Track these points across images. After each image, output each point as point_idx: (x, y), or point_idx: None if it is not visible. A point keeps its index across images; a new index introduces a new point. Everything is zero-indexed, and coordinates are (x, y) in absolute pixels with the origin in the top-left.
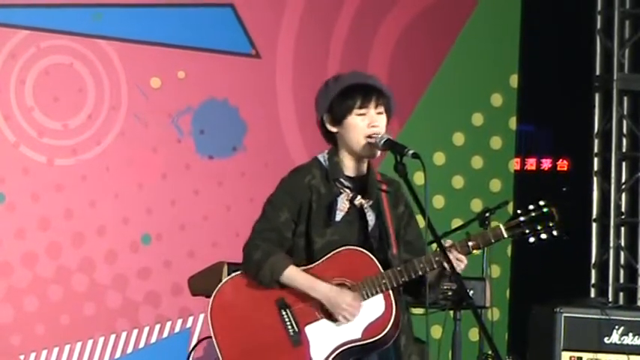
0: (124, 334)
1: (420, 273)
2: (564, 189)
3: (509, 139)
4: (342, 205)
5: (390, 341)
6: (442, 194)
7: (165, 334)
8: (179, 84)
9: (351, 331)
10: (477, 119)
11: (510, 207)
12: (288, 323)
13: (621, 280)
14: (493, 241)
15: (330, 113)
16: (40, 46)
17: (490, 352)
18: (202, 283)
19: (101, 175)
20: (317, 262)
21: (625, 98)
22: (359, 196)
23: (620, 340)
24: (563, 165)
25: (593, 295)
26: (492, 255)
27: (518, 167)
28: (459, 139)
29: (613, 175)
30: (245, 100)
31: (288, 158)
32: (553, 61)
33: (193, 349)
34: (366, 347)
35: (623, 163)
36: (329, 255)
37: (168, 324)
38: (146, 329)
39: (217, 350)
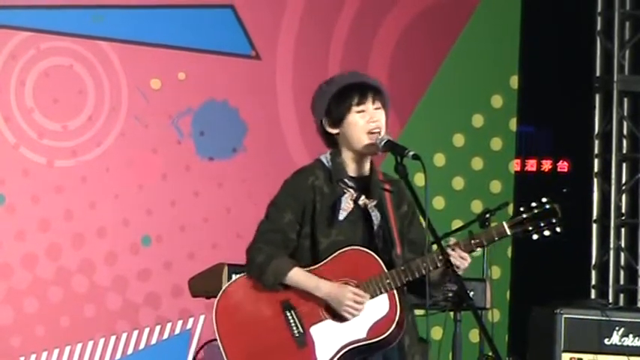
0: (124, 336)
1: (424, 272)
2: (564, 190)
3: (509, 140)
4: (346, 205)
5: (395, 341)
6: (442, 195)
7: (165, 336)
8: (179, 85)
9: (356, 330)
10: (477, 120)
11: (510, 208)
12: (293, 324)
13: (621, 282)
14: (497, 238)
15: (329, 116)
16: (40, 48)
17: (490, 354)
18: (202, 285)
19: (101, 177)
20: (321, 263)
21: (625, 99)
22: (363, 196)
23: (620, 341)
24: (563, 166)
25: (593, 296)
26: (493, 256)
27: (518, 168)
28: (459, 140)
29: (613, 176)
30: (245, 101)
31: (289, 159)
32: (553, 63)
33: (198, 352)
34: (371, 347)
35: (624, 164)
36: (333, 255)
37: (169, 325)
38: (146, 330)
39: (223, 353)
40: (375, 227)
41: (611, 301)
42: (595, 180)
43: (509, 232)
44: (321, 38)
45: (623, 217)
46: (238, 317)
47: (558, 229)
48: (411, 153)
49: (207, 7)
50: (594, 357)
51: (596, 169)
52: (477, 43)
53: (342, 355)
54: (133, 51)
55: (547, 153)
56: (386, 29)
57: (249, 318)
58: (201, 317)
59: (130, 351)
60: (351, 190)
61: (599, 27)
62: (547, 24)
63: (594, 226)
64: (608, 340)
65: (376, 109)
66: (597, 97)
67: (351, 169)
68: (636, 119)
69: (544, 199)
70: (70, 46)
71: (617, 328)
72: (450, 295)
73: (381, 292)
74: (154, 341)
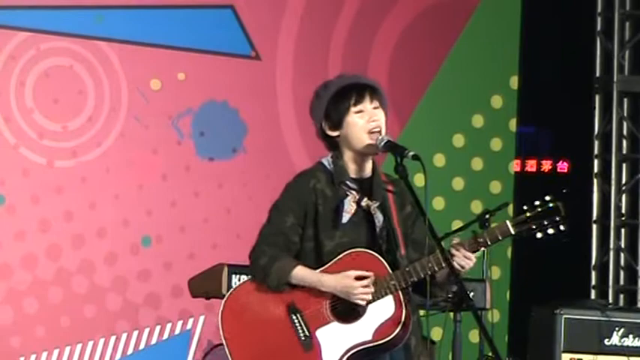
0: (124, 336)
1: (429, 273)
2: (564, 190)
3: (509, 140)
4: (349, 207)
5: (401, 342)
6: (442, 196)
7: (165, 336)
8: (179, 86)
9: (362, 333)
10: (477, 121)
11: (510, 209)
12: (299, 328)
13: (621, 282)
14: (500, 238)
15: (328, 119)
16: (40, 48)
17: (490, 354)
18: (202, 285)
19: (101, 177)
20: (326, 266)
21: (625, 100)
22: (365, 198)
23: (620, 341)
24: (563, 167)
25: (593, 296)
26: (493, 256)
27: (518, 169)
28: (459, 140)
29: (613, 176)
30: (245, 101)
31: (289, 160)
32: (553, 63)
33: (204, 357)
34: (377, 349)
35: (624, 165)
36: (337, 258)
37: (169, 326)
38: (146, 331)
39: (229, 357)
40: (378, 229)
41: (611, 301)
42: (595, 180)
43: (513, 232)
44: (321, 39)
45: (623, 218)
46: (244, 321)
47: (562, 228)
48: (411, 153)
49: (207, 7)
50: (594, 357)
51: (596, 170)
52: (477, 43)
53: (348, 358)
54: (133, 51)
55: (547, 153)
56: (386, 29)
57: (254, 322)
58: (201, 318)
59: (129, 351)
60: (353, 192)
61: (599, 27)
62: (547, 24)
63: (594, 226)
64: (608, 341)
65: (375, 108)
66: (597, 98)
67: (353, 171)
68: (636, 120)
69: (547, 197)
70: (70, 47)
71: (617, 328)
72: (450, 295)
73: (386, 294)
74: (153, 341)
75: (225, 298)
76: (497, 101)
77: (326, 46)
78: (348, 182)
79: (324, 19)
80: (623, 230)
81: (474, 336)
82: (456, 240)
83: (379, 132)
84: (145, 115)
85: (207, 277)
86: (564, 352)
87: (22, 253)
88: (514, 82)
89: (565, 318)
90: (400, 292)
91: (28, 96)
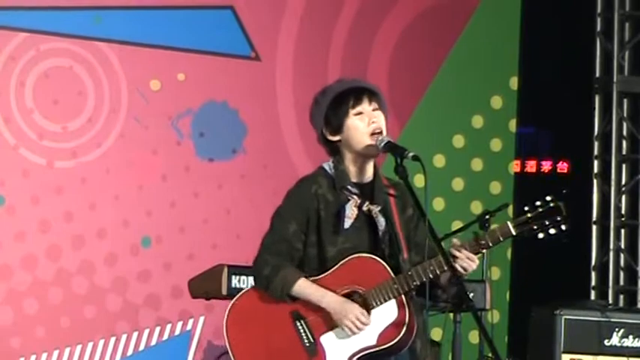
0: (124, 337)
1: (431, 276)
2: (564, 191)
3: (509, 141)
4: (350, 212)
5: (406, 346)
6: (442, 197)
7: (165, 337)
8: (179, 86)
9: (366, 337)
10: (477, 121)
11: (510, 209)
12: (304, 334)
13: (621, 283)
14: (502, 239)
15: (328, 124)
16: (40, 49)
17: (490, 355)
18: (202, 286)
19: (101, 178)
20: (329, 272)
21: (625, 100)
22: (367, 202)
23: (620, 342)
24: (563, 167)
25: (593, 297)
26: (492, 257)
27: (518, 169)
28: (458, 141)
29: (613, 177)
30: (245, 102)
31: (288, 161)
32: (553, 63)
33: None
34: (381, 353)
35: (623, 166)
36: (340, 263)
37: (169, 326)
38: (146, 332)
39: None
40: (381, 233)
41: (611, 302)
42: (595, 181)
43: (514, 232)
44: (321, 39)
45: (623, 218)
46: (249, 329)
47: (564, 227)
48: (411, 154)
49: (206, 8)
50: (594, 358)
51: (595, 170)
52: (477, 44)
53: None
54: (133, 52)
55: (547, 154)
56: (386, 30)
57: (259, 329)
58: (201, 318)
59: (129, 352)
60: (354, 196)
61: (598, 28)
62: (547, 25)
63: (594, 227)
64: (608, 341)
65: (374, 110)
66: (597, 98)
67: (355, 176)
68: (636, 120)
69: (548, 198)
70: (70, 48)
71: (617, 329)
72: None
73: (389, 298)
74: (153, 342)
75: (229, 306)
76: (497, 102)
77: (326, 47)
78: (349, 187)
79: (323, 19)
80: (622, 231)
81: (474, 337)
82: (456, 241)
83: (380, 133)
84: (145, 116)
85: (207, 277)
86: (564, 352)
87: (22, 253)
88: (514, 82)
89: (565, 318)
90: (403, 296)
91: (27, 97)
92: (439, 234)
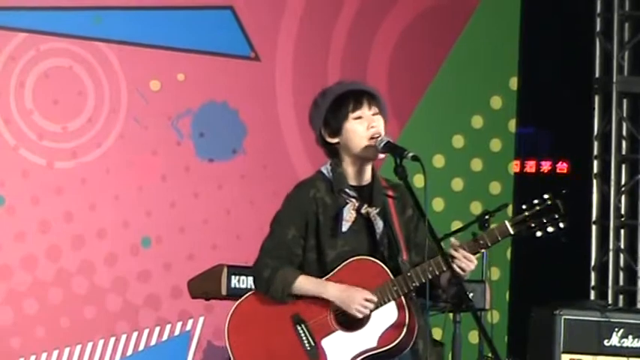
0: (123, 337)
1: (430, 277)
2: (564, 191)
3: (508, 141)
4: (348, 215)
5: (407, 347)
6: (442, 197)
7: (165, 337)
8: (179, 86)
9: (367, 340)
10: (477, 122)
11: (510, 209)
12: (305, 338)
13: (621, 283)
14: (500, 238)
15: (327, 126)
16: (40, 49)
17: (490, 355)
18: (202, 286)
19: (101, 178)
20: (328, 275)
21: (624, 100)
22: (365, 205)
23: (619, 342)
24: (562, 167)
25: (592, 297)
26: (492, 258)
27: (517, 169)
28: (458, 141)
29: (612, 177)
30: (245, 102)
31: (288, 161)
32: (553, 64)
33: None
34: (382, 355)
35: (623, 166)
36: (340, 266)
37: (168, 327)
38: (146, 332)
39: None
40: (379, 235)
41: (610, 302)
42: (594, 181)
43: (512, 231)
44: (321, 39)
45: (623, 218)
46: (250, 333)
47: (562, 225)
48: (411, 154)
49: (206, 8)
50: (594, 358)
51: (595, 170)
52: (477, 44)
53: None
54: (133, 52)
55: (546, 154)
56: (385, 30)
57: (260, 334)
58: (201, 318)
59: (129, 352)
60: (353, 199)
61: (598, 28)
62: (546, 25)
63: (594, 227)
64: (608, 341)
65: (373, 114)
66: (596, 98)
67: (353, 178)
68: (635, 120)
69: (545, 196)
70: (70, 48)
71: (616, 329)
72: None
73: (389, 300)
74: (153, 342)
75: (230, 311)
76: (496, 102)
77: (325, 47)
78: (347, 190)
79: (323, 19)
80: (622, 231)
81: (474, 337)
82: (454, 242)
83: (379, 137)
84: (145, 116)
85: (206, 277)
86: (564, 352)
87: (22, 254)
88: (513, 82)
89: (564, 319)
90: (403, 298)
91: (27, 97)
92: (439, 234)
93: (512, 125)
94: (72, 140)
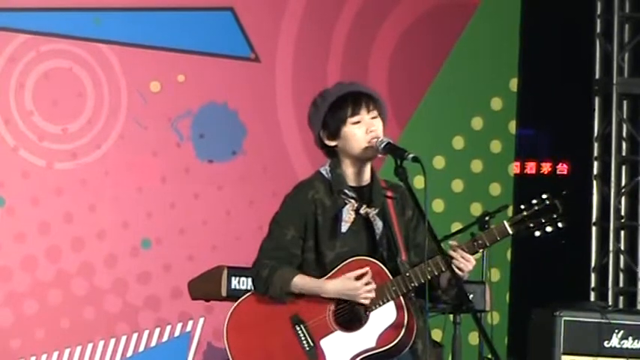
0: (123, 338)
1: (429, 277)
2: (564, 192)
3: (508, 142)
4: (347, 216)
5: (405, 347)
6: (442, 198)
7: (165, 338)
8: (179, 88)
9: (366, 340)
10: (477, 123)
11: (510, 211)
12: (303, 339)
13: (621, 284)
14: (499, 238)
15: (325, 129)
16: (40, 50)
17: (490, 356)
18: (202, 287)
19: (101, 179)
20: (327, 275)
21: (625, 102)
22: (364, 206)
23: (619, 343)
24: (562, 169)
25: (593, 298)
26: (492, 259)
27: (517, 171)
28: (458, 142)
29: (613, 178)
30: (245, 103)
31: (288, 162)
32: (553, 65)
33: None
34: (381, 355)
35: (623, 167)
36: (339, 267)
37: (168, 328)
38: (146, 333)
39: None
40: (378, 236)
41: (610, 303)
42: (594, 182)
43: (510, 231)
44: (321, 41)
45: (623, 220)
46: (249, 334)
47: (560, 225)
48: (411, 155)
49: (206, 9)
50: (594, 359)
51: (595, 172)
52: (477, 45)
53: None
54: (133, 53)
55: (546, 155)
56: (385, 32)
57: (259, 334)
58: (201, 320)
59: (129, 353)
60: (352, 200)
61: (598, 29)
62: (546, 26)
63: (594, 228)
64: (608, 343)
65: (372, 118)
66: (597, 100)
67: (352, 179)
68: (636, 122)
69: (544, 195)
70: (70, 49)
71: (616, 330)
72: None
73: (388, 300)
74: (153, 344)
75: (229, 312)
76: (496, 103)
77: (325, 49)
78: (346, 191)
79: (323, 21)
80: (622, 232)
81: (474, 338)
82: (453, 242)
83: (378, 140)
84: (145, 117)
85: (206, 279)
86: (564, 354)
87: (22, 255)
88: (514, 84)
89: (565, 320)
90: (402, 298)
91: (27, 98)
92: (438, 236)
93: (512, 126)
94: (72, 141)
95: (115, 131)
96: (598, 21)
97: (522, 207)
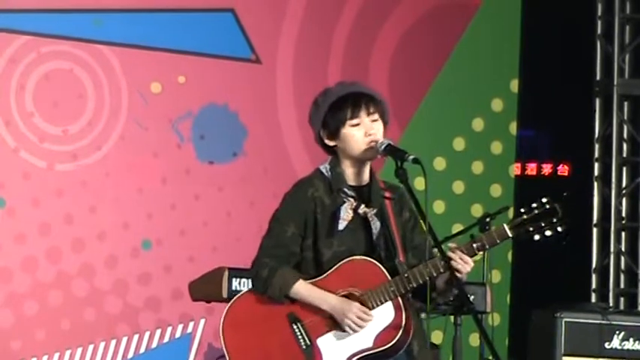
0: (124, 339)
1: (427, 278)
2: (565, 194)
3: (509, 144)
4: (346, 214)
5: (402, 348)
6: (443, 199)
7: (165, 339)
8: (179, 89)
9: (363, 340)
10: (478, 124)
11: (511, 212)
12: (300, 337)
13: (622, 285)
14: (498, 241)
15: (325, 128)
16: (41, 52)
17: (490, 357)
18: (202, 288)
19: (101, 181)
20: (325, 274)
21: (625, 103)
22: (362, 205)
23: (620, 345)
24: (563, 170)
25: (593, 299)
26: (493, 260)
27: (518, 172)
28: (459, 144)
29: (613, 179)
30: (245, 105)
31: (289, 163)
32: (553, 66)
33: None
34: (378, 355)
35: (624, 168)
36: (336, 266)
37: (169, 329)
38: (147, 334)
39: None
40: (375, 236)
41: (611, 304)
42: (595, 184)
43: (510, 234)
44: (322, 42)
45: (624, 221)
46: (245, 332)
47: (560, 229)
48: (411, 157)
49: (207, 10)
50: None
51: (596, 173)
52: (478, 46)
53: None
54: (133, 55)
55: (547, 157)
56: (386, 33)
57: (256, 332)
58: (202, 321)
59: (130, 355)
60: (350, 199)
61: (599, 30)
62: (547, 27)
63: (594, 229)
64: (609, 344)
65: (373, 120)
66: (597, 101)
67: (351, 179)
68: (636, 123)
69: (544, 199)
70: (71, 50)
71: (617, 331)
72: (451, 298)
73: (386, 300)
74: (154, 345)
75: (225, 310)
76: (497, 104)
77: (326, 50)
78: (345, 189)
79: (324, 22)
80: (623, 233)
81: (475, 339)
82: (452, 244)
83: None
84: (145, 119)
85: (207, 280)
86: (565, 355)
87: (23, 256)
88: (514, 85)
89: (565, 321)
90: (400, 298)
91: (28, 99)
92: (439, 237)
93: (513, 128)
94: (72, 143)
95: (116, 132)
96: (599, 22)
97: (522, 210)
